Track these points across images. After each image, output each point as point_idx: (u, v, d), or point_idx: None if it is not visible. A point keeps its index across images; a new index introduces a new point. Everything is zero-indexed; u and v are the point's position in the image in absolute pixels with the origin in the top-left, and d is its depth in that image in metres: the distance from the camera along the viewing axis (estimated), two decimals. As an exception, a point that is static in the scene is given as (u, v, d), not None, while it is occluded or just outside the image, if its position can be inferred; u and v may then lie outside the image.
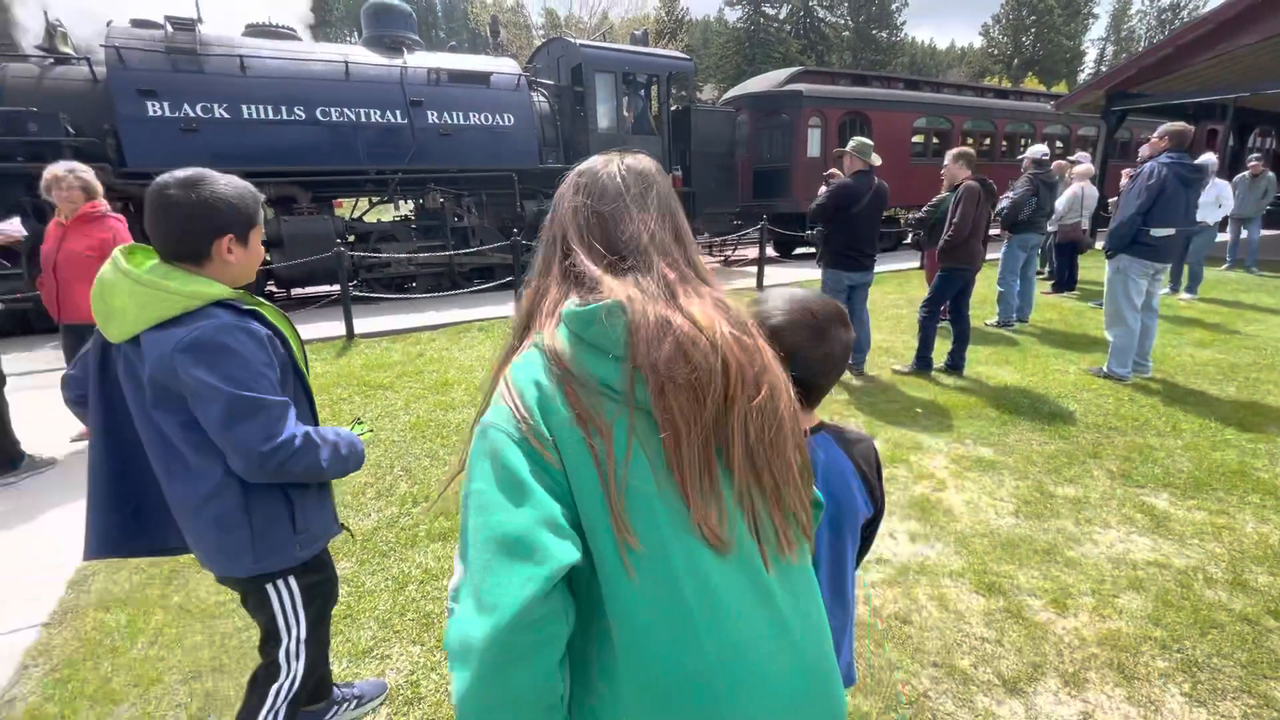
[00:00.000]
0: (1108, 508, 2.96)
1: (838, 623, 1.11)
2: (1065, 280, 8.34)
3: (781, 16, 52.66)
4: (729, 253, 13.74)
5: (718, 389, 0.70)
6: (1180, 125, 4.42)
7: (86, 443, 3.77)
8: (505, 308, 7.27)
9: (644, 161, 0.89)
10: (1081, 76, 56.27)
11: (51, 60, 7.06)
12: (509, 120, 8.87)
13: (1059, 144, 16.17)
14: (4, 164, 6.26)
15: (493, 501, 0.65)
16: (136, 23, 7.37)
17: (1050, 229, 7.65)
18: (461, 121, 8.53)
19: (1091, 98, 11.99)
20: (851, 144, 4.54)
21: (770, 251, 11.05)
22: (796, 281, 9.51)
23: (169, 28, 7.25)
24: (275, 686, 1.46)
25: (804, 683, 0.73)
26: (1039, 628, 2.16)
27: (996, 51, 57.59)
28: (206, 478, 1.28)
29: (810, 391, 1.05)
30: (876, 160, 4.53)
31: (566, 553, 0.63)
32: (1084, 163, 7.92)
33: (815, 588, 0.81)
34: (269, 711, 1.45)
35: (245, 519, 1.31)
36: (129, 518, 1.39)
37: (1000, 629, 2.16)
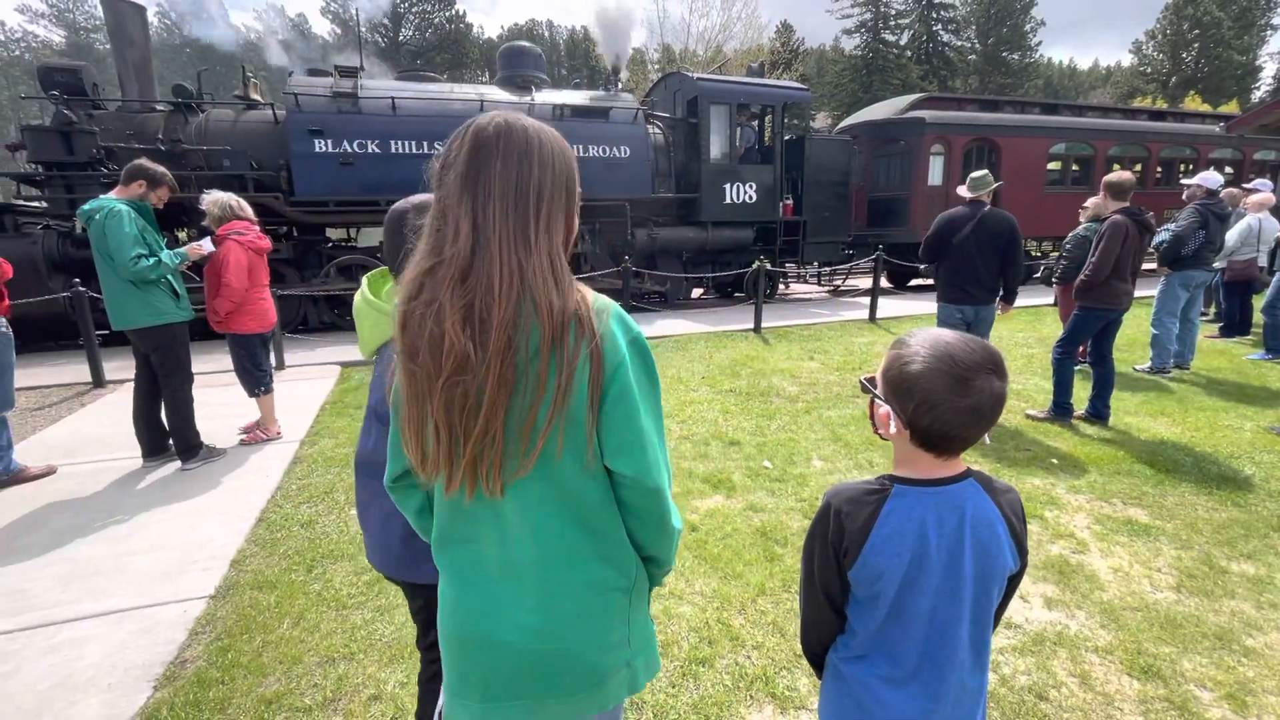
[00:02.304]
0: (1299, 592, 2.53)
1: (975, 684, 1.04)
2: (1237, 323, 7.32)
3: (902, 42, 51.05)
4: (838, 282, 13.34)
5: (431, 376, 0.86)
6: None
7: (246, 436, 4.27)
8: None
9: (508, 127, 0.87)
10: (1256, 95, 49.75)
11: (244, 105, 8.25)
12: (625, 152, 9.22)
13: (1229, 169, 14.38)
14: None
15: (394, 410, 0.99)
16: (312, 72, 8.46)
17: (1218, 265, 6.77)
18: (581, 154, 8.96)
19: (1273, 118, 10.59)
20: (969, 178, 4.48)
21: (884, 283, 10.59)
22: (911, 315, 9.04)
23: (336, 75, 8.25)
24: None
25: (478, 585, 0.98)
26: (1210, 725, 1.88)
27: (1150, 70, 52.34)
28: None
29: (949, 443, 0.97)
30: (981, 189, 4.36)
31: (400, 462, 0.99)
32: (1263, 191, 6.96)
33: (507, 517, 0.94)
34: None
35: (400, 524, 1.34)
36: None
37: (1160, 720, 1.90)
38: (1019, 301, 9.71)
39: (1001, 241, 4.33)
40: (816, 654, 1.17)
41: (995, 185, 4.41)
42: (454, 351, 0.83)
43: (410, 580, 1.41)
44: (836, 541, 1.03)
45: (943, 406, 0.93)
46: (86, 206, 3.50)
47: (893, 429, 1.03)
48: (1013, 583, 1.07)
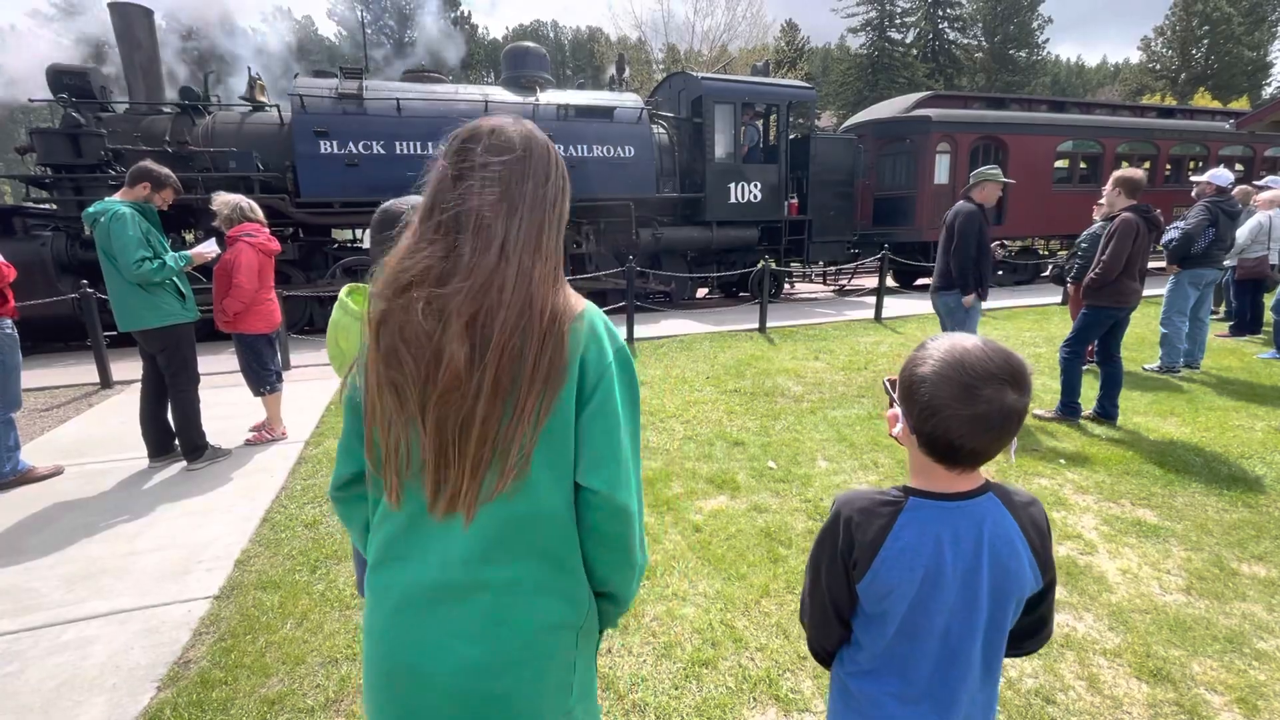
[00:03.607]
0: (1311, 595, 2.49)
1: (985, 697, 1.01)
2: (1247, 322, 7.25)
3: (908, 41, 50.84)
4: (844, 281, 13.31)
5: (417, 386, 0.82)
6: None
7: (253, 435, 4.29)
8: (617, 331, 7.46)
9: (530, 137, 0.89)
10: (1268, 91, 49.27)
11: (250, 108, 8.29)
12: (629, 152, 9.22)
13: (1239, 166, 14.25)
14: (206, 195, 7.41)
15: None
16: (317, 73, 8.50)
17: (1228, 263, 6.70)
18: (585, 154, 8.98)
19: (1284, 114, 10.47)
20: None
21: (890, 282, 10.54)
22: (917, 314, 8.98)
23: (341, 76, 8.29)
24: None
25: (420, 601, 0.87)
26: (1220, 729, 1.85)
27: (1159, 66, 51.88)
28: None
29: (954, 453, 0.92)
30: (971, 185, 4.61)
31: (349, 465, 0.97)
32: (1274, 188, 6.88)
33: (459, 534, 0.86)
34: None
35: None
36: None
37: (1169, 724, 1.87)
38: (1025, 300, 9.69)
39: (949, 232, 4.58)
40: (822, 655, 1.14)
41: (979, 182, 4.54)
42: (453, 365, 0.80)
43: None
44: (846, 553, 0.99)
45: (945, 413, 0.89)
46: (91, 209, 3.52)
47: (896, 430, 1.01)
48: (1039, 601, 1.02)
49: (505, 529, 0.86)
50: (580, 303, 0.90)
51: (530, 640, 0.87)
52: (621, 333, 6.98)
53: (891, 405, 1.03)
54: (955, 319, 4.71)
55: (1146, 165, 13.61)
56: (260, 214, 4.19)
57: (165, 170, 3.75)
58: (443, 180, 0.87)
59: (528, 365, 0.81)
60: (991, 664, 1.00)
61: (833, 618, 1.06)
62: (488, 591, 0.86)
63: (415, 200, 1.40)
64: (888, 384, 1.06)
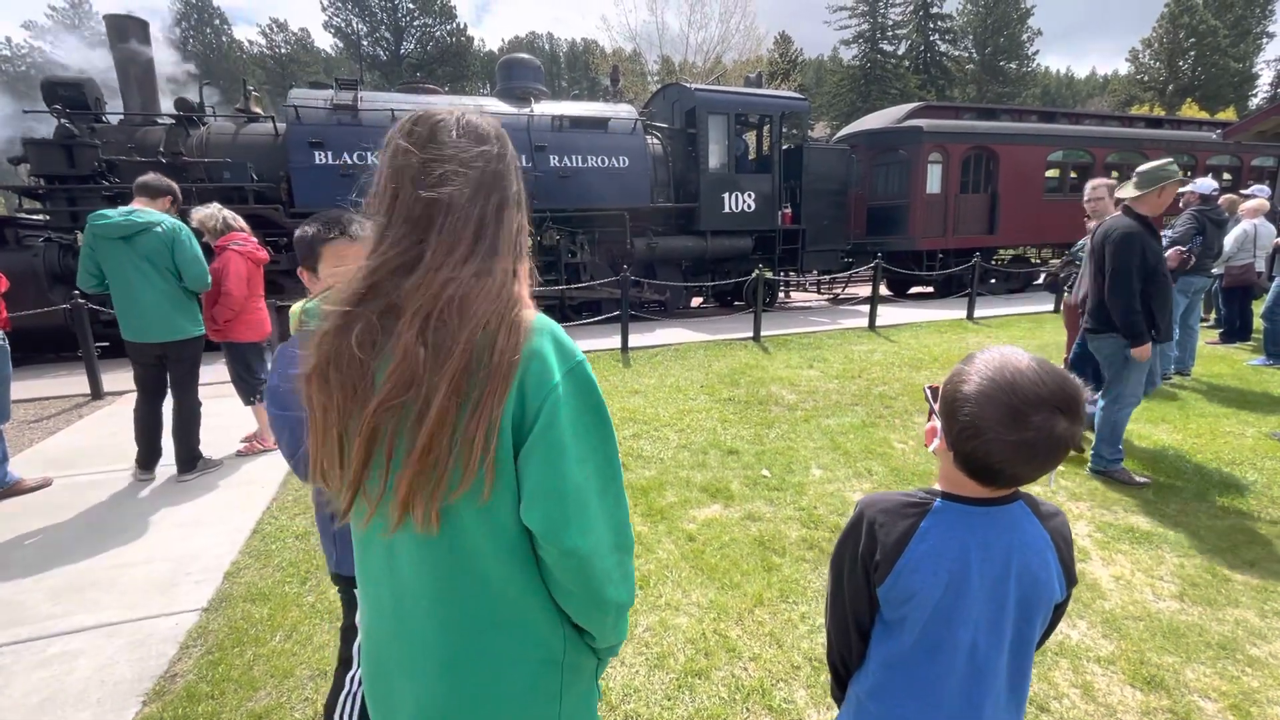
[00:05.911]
0: (1303, 601, 2.50)
1: (1011, 718, 0.98)
2: (1236, 329, 7.30)
3: (900, 52, 51.44)
4: (838, 290, 13.36)
5: (351, 394, 0.76)
6: None
7: (244, 446, 4.26)
8: (612, 340, 7.46)
9: (484, 122, 0.85)
10: (1254, 101, 49.98)
11: (245, 119, 8.30)
12: (624, 162, 9.26)
13: (1227, 176, 14.40)
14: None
15: None
16: (313, 84, 8.52)
17: (1217, 271, 6.76)
18: (580, 164, 9.02)
19: (1271, 123, 10.61)
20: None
21: (883, 290, 10.60)
22: (911, 323, 9.02)
23: (336, 87, 8.32)
24: (349, 675, 1.56)
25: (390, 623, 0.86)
26: (1214, 737, 1.84)
27: (1147, 78, 52.60)
28: None
29: (992, 475, 0.88)
30: (1141, 188, 3.54)
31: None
32: (1259, 196, 6.97)
33: (401, 568, 0.82)
34: (346, 695, 1.53)
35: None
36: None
37: (1163, 732, 1.86)
38: (1018, 308, 9.74)
39: (1099, 260, 3.54)
40: (840, 668, 1.10)
41: (1156, 185, 3.41)
42: (405, 365, 0.73)
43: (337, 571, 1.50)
44: (868, 556, 0.95)
45: (988, 436, 0.84)
46: (141, 219, 3.50)
47: (934, 445, 0.97)
48: (1059, 610, 1.00)
49: (451, 565, 0.79)
50: (530, 314, 0.80)
51: (493, 678, 0.81)
52: (615, 342, 6.78)
53: (931, 415, 0.99)
54: (1113, 369, 3.58)
55: (1136, 175, 13.73)
56: (242, 222, 4.18)
57: (176, 185, 3.88)
58: (406, 168, 0.80)
59: (491, 380, 0.73)
60: (1018, 684, 0.96)
61: (853, 631, 1.02)
62: (439, 628, 0.81)
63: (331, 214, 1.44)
64: (929, 391, 1.01)
